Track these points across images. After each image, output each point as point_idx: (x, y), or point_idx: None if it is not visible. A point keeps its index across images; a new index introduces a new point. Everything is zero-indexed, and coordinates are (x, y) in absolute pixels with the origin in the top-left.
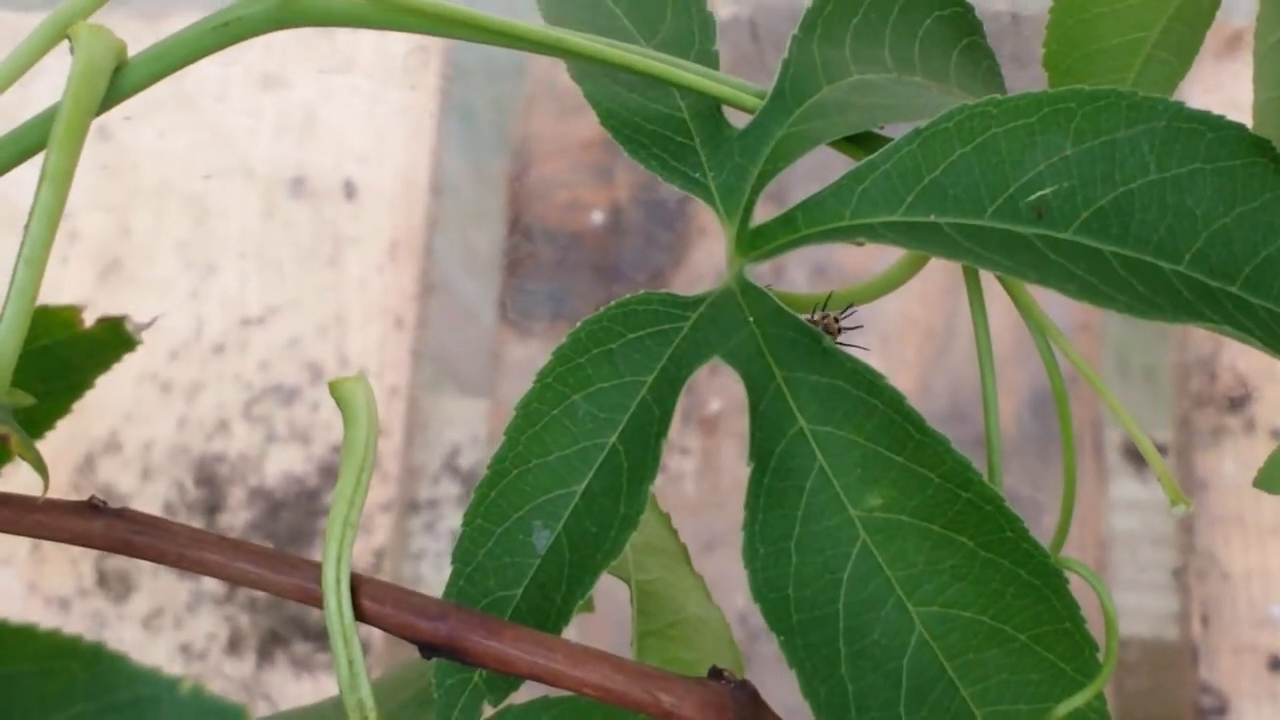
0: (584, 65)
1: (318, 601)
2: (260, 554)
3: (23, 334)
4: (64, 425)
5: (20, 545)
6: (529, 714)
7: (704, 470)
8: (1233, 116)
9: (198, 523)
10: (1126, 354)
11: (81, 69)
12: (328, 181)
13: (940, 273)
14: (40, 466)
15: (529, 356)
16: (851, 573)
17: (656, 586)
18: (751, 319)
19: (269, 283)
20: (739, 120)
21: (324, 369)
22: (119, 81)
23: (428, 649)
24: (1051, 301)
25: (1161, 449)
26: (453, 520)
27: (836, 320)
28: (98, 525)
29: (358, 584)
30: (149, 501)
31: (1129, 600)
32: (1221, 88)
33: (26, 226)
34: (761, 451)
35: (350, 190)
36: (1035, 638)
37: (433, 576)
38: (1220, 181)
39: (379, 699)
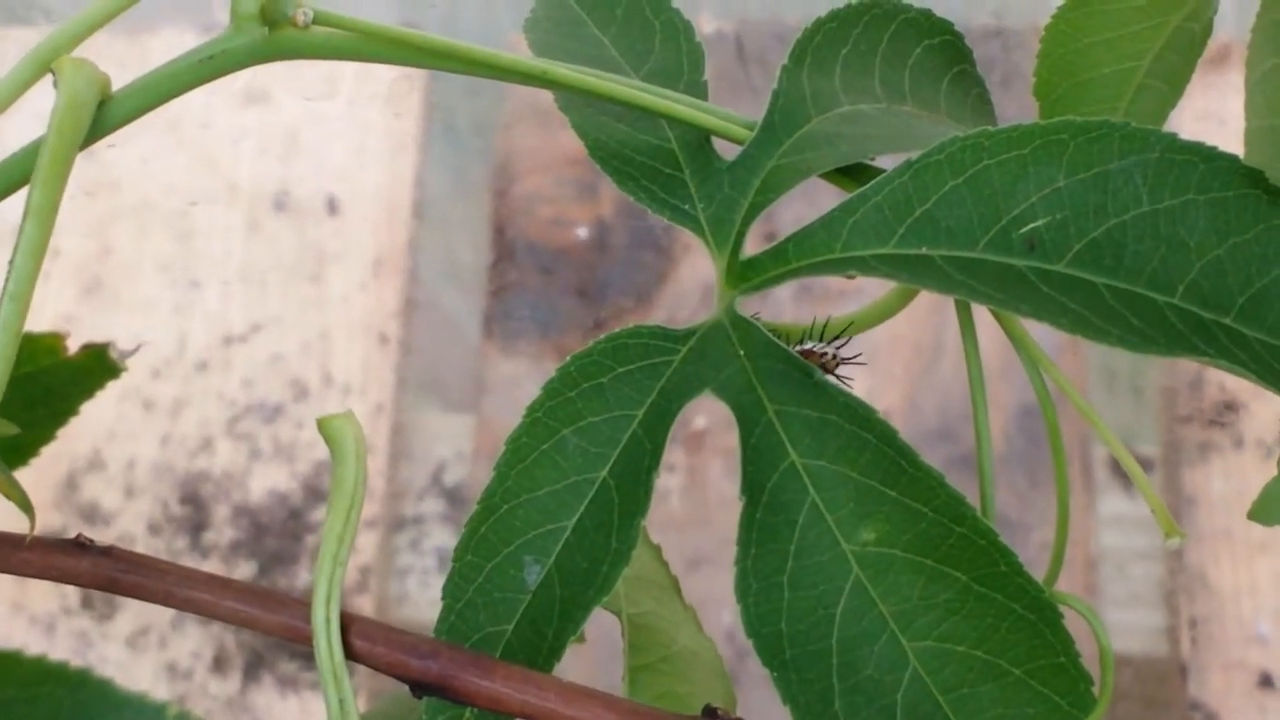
0: (571, 96)
1: (307, 640)
2: (249, 592)
3: (9, 366)
4: (46, 445)
5: None
6: None
7: (690, 487)
8: (1220, 132)
9: (182, 541)
10: (1113, 370)
11: (65, 103)
12: (311, 198)
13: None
14: (26, 505)
15: (514, 373)
16: (845, 607)
17: (648, 620)
18: (742, 352)
19: (252, 300)
20: (728, 151)
21: (308, 386)
22: (103, 115)
23: (419, 688)
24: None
25: (1149, 465)
26: (438, 537)
27: (834, 357)
28: (84, 564)
29: (348, 623)
30: (133, 520)
31: (1118, 617)
32: (1209, 106)
33: (11, 261)
34: (753, 485)
35: (333, 207)
36: (1030, 672)
37: (418, 593)
38: (1213, 213)
39: None
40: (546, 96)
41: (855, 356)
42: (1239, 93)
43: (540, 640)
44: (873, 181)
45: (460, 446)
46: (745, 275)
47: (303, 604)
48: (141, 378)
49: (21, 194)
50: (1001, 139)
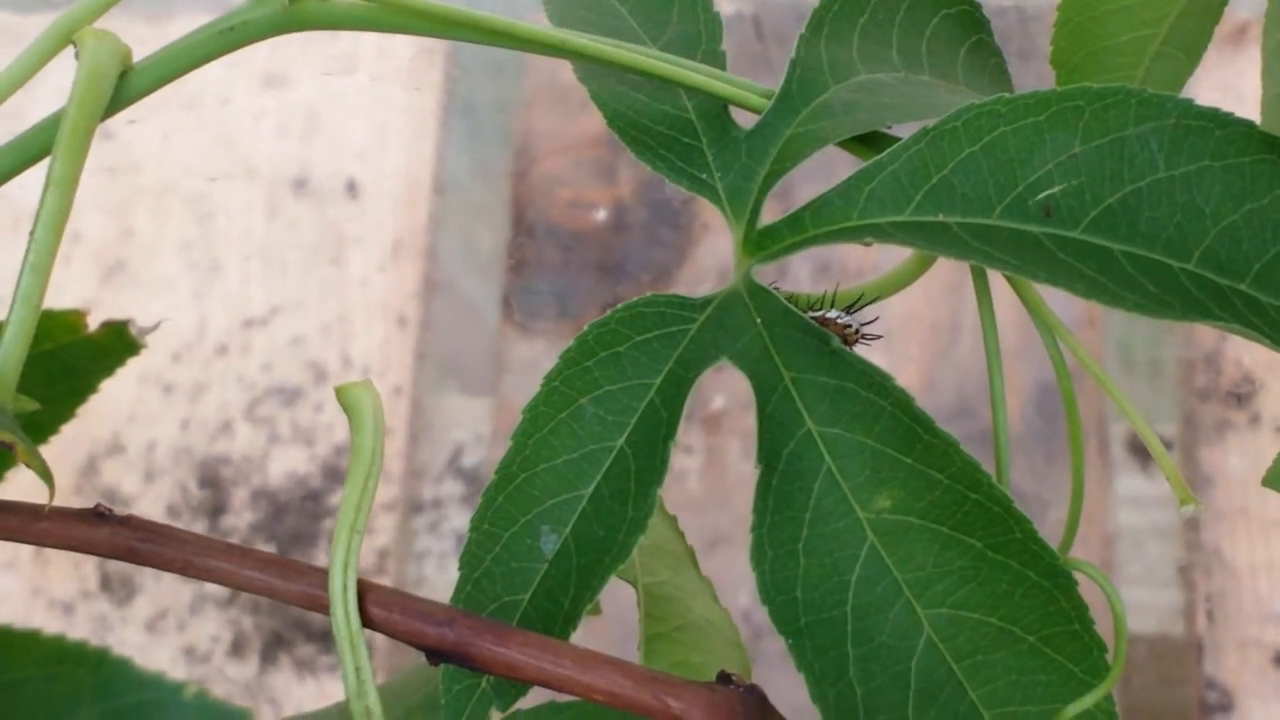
0: (590, 66)
1: (325, 608)
2: (267, 561)
3: (29, 340)
4: (66, 427)
5: (24, 549)
6: (536, 719)
7: (708, 468)
8: (1238, 106)
9: (201, 525)
10: (1130, 348)
11: (87, 74)
12: (330, 181)
13: (945, 269)
14: (46, 474)
15: (533, 355)
16: (860, 575)
17: (664, 589)
18: (759, 320)
19: (272, 283)
20: (746, 121)
21: (327, 369)
22: (124, 87)
23: (435, 655)
24: (1055, 297)
25: (1166, 443)
26: (457, 520)
27: (856, 330)
28: (103, 533)
29: (365, 590)
30: (152, 503)
31: (1134, 596)
32: (1226, 81)
33: (32, 233)
34: (769, 453)
35: (353, 189)
36: (1044, 639)
37: (436, 577)
38: (1229, 179)
39: (384, 704)
40: (564, 77)
41: (872, 321)
42: (1258, 68)
43: (556, 609)
44: (889, 149)
45: (479, 428)
46: (762, 244)
47: (320, 572)
48: (161, 361)
49: (39, 169)
50: (1018, 106)
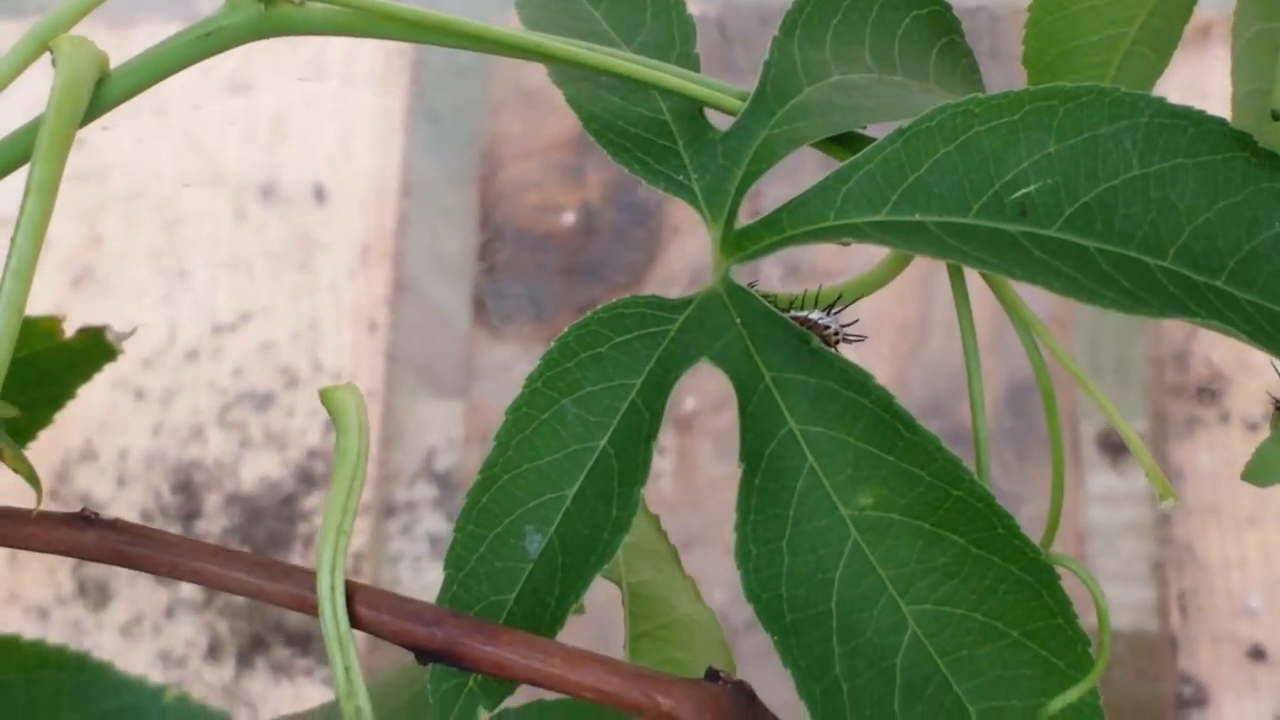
0: (565, 70)
1: (313, 609)
2: (254, 563)
3: (11, 346)
4: (40, 434)
5: None
6: (525, 717)
7: (680, 469)
8: (1203, 105)
9: (174, 530)
10: (1098, 347)
11: (65, 81)
12: (298, 186)
13: (915, 267)
14: (33, 479)
15: (503, 359)
16: (844, 572)
17: (648, 588)
18: (739, 320)
19: (241, 288)
20: (721, 123)
21: (298, 374)
22: (101, 93)
23: (424, 654)
24: (1024, 294)
25: None
26: (430, 523)
27: (836, 332)
28: (90, 536)
29: (353, 591)
30: (126, 509)
31: (1108, 592)
32: (1191, 80)
33: (13, 239)
34: (752, 452)
35: (320, 194)
36: (1028, 634)
37: (411, 579)
38: (1202, 176)
39: (372, 704)
40: (530, 81)
41: (852, 324)
42: (1223, 66)
43: (543, 609)
44: (865, 149)
45: (451, 432)
46: (740, 244)
47: (308, 573)
48: (132, 367)
49: (14, 178)
50: (992, 106)
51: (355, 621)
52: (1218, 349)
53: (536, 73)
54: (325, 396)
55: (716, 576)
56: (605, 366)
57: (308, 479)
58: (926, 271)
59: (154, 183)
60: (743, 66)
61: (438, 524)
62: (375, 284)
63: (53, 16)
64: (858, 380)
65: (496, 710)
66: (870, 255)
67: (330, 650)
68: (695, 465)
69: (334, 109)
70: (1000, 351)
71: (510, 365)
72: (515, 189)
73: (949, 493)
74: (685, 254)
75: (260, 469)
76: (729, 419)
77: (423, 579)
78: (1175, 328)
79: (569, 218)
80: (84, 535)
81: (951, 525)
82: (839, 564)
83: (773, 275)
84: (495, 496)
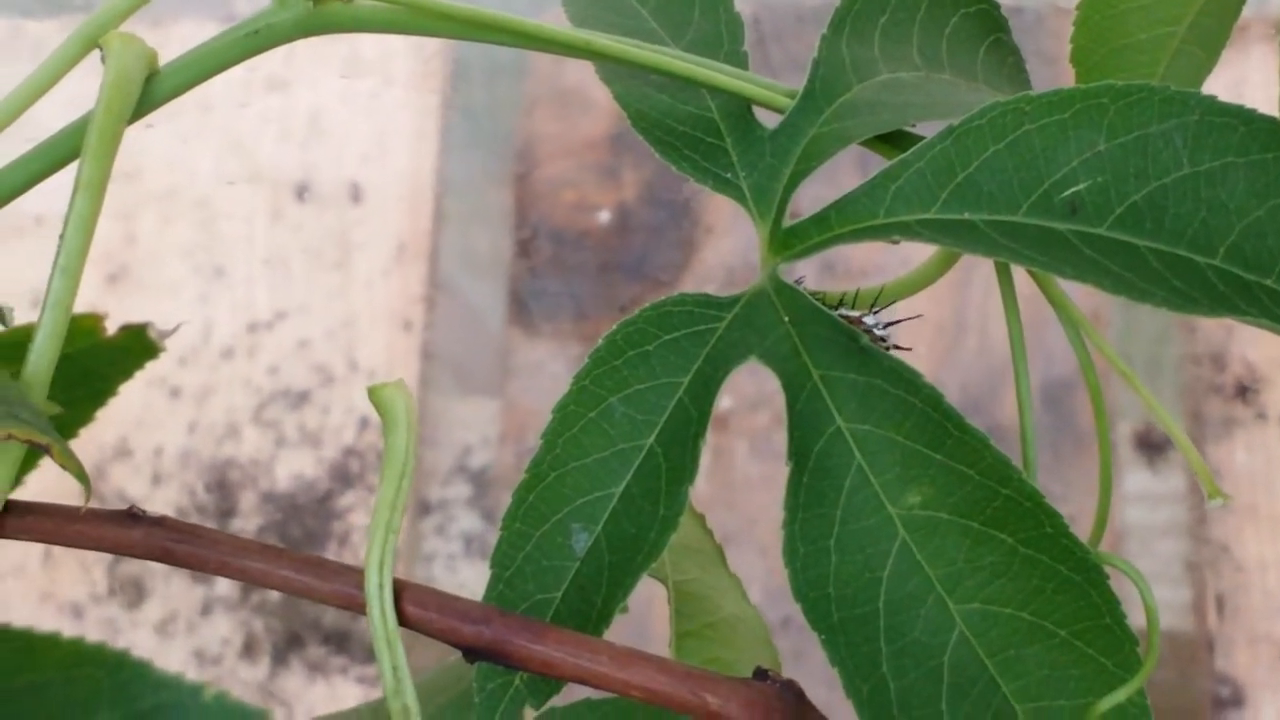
0: (613, 67)
1: (360, 607)
2: (302, 561)
3: (60, 344)
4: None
5: (32, 554)
6: (573, 716)
7: (715, 468)
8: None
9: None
10: (1129, 347)
11: (114, 78)
12: (334, 185)
13: (951, 268)
14: (83, 476)
15: (538, 357)
16: (891, 571)
17: (694, 587)
18: (787, 318)
19: (277, 287)
20: (769, 120)
21: (333, 372)
22: (150, 90)
23: (471, 653)
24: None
25: (1172, 441)
26: (464, 522)
27: (882, 335)
28: (137, 534)
29: (400, 589)
30: (161, 507)
31: None
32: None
33: (62, 235)
34: (800, 451)
35: (356, 193)
36: (1075, 633)
37: (446, 578)
38: (1253, 175)
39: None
40: (566, 80)
41: (897, 322)
42: (1261, 66)
43: (589, 607)
44: (914, 148)
45: (485, 431)
46: (788, 242)
47: (355, 571)
48: (168, 365)
49: (59, 176)
50: (1042, 104)
51: (403, 620)
52: (1255, 347)
53: (573, 71)
54: (374, 394)
55: (752, 575)
56: (653, 364)
57: (343, 477)
58: (963, 272)
59: (190, 181)
60: (778, 64)
61: (472, 523)
62: (411, 282)
63: (100, 14)
64: (906, 378)
65: (543, 709)
66: (906, 256)
67: (378, 648)
68: (731, 464)
69: (370, 107)
70: (1034, 350)
71: (545, 364)
72: (551, 188)
73: (997, 491)
74: (720, 253)
75: (295, 467)
76: (765, 418)
77: (457, 578)
78: (1212, 327)
79: (604, 216)
80: (132, 532)
81: (1000, 524)
82: (887, 563)
83: (807, 274)
84: (542, 495)
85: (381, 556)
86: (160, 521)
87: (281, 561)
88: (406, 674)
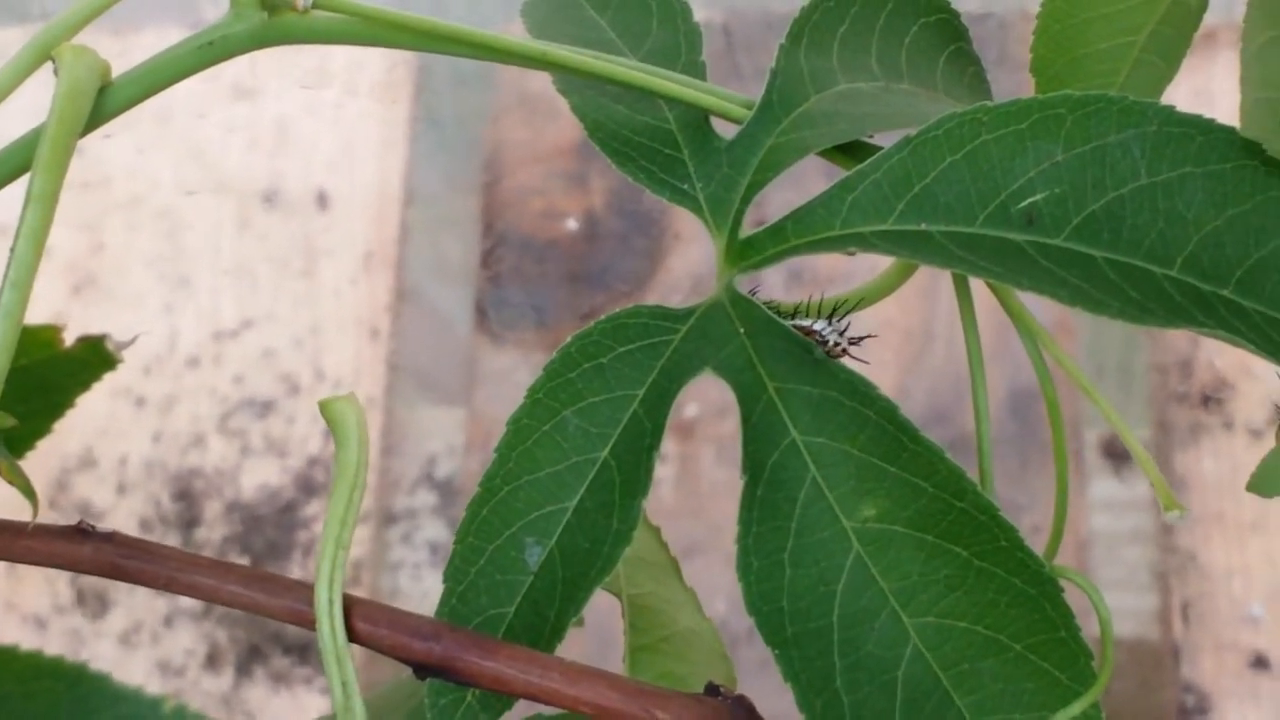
0: (570, 78)
1: (310, 623)
2: (251, 576)
3: (10, 356)
4: (38, 443)
5: None
6: None
7: (681, 476)
8: (1209, 113)
9: (174, 538)
10: (1101, 355)
11: (66, 90)
12: (300, 193)
13: (917, 275)
14: (29, 492)
15: (505, 366)
16: (846, 584)
17: (648, 600)
18: (742, 330)
19: (243, 295)
20: (727, 131)
21: (299, 381)
22: (103, 102)
23: (422, 669)
24: (1027, 302)
25: None
26: (430, 531)
27: (842, 347)
28: (86, 550)
29: (350, 605)
30: (125, 517)
31: (1110, 601)
32: (1197, 87)
33: (12, 249)
34: (754, 463)
35: (323, 201)
36: (1030, 647)
37: (411, 587)
38: (1211, 185)
39: (370, 718)
40: (533, 88)
41: (861, 339)
42: (1228, 74)
43: (542, 622)
44: (871, 158)
45: (452, 440)
46: (744, 254)
47: (305, 587)
48: (133, 375)
49: (15, 187)
50: (999, 114)
51: (353, 636)
52: (1222, 356)
53: (540, 80)
54: (325, 408)
55: (718, 585)
56: (607, 377)
57: (308, 487)
58: (929, 280)
59: (156, 190)
60: (747, 72)
61: (438, 531)
62: (377, 291)
63: (54, 25)
64: (861, 391)
65: None
66: (875, 262)
67: (328, 665)
68: (697, 472)
69: (337, 116)
70: (1001, 358)
71: (512, 372)
72: (518, 196)
73: (952, 504)
74: (688, 261)
75: (261, 477)
76: (731, 425)
77: (422, 586)
78: (1179, 335)
79: (572, 225)
80: (81, 548)
81: (954, 537)
82: (841, 577)
83: (775, 282)
84: (495, 509)
85: (331, 572)
86: (109, 537)
87: (230, 577)
88: (356, 690)
